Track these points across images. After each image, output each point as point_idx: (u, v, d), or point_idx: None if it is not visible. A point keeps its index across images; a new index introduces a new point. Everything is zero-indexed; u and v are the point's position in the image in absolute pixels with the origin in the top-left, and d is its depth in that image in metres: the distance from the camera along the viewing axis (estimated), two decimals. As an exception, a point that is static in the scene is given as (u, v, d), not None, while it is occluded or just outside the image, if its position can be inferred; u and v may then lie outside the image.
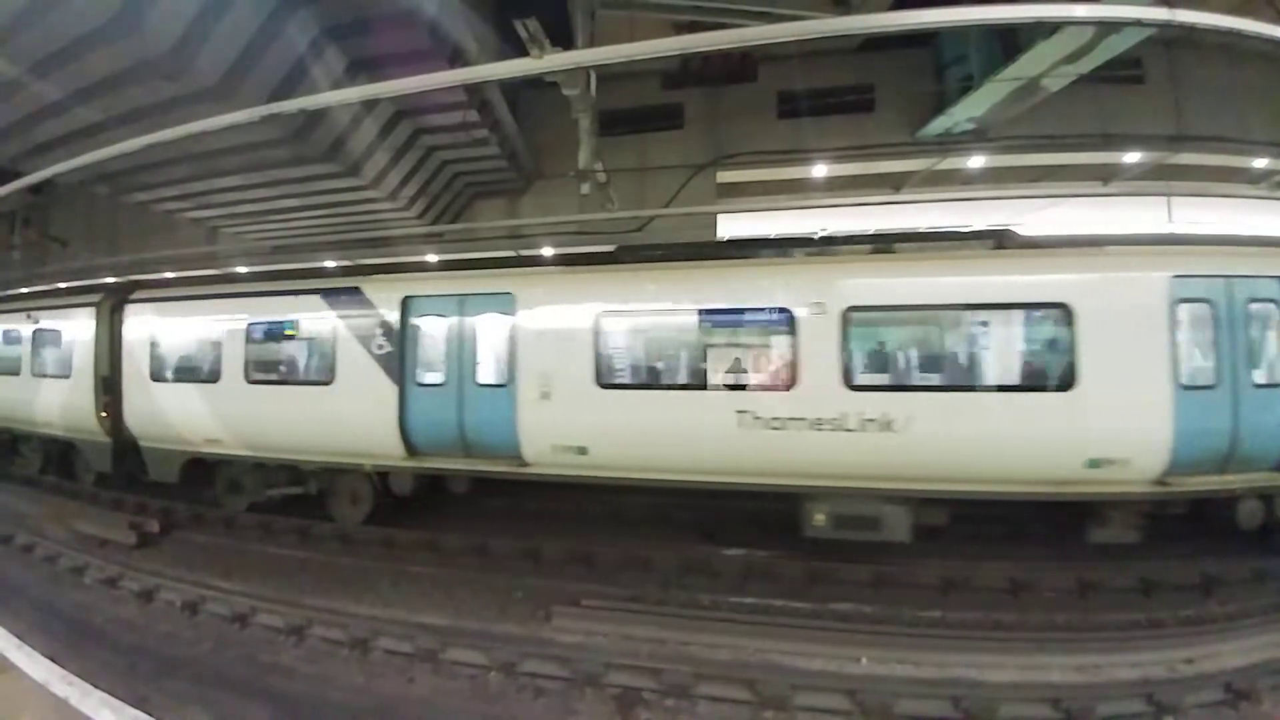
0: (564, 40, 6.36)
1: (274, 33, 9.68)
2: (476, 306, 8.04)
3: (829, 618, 6.14)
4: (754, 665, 5.29)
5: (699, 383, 7.15)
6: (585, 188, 13.21)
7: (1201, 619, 5.93)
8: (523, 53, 5.64)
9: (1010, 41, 11.74)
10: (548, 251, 15.10)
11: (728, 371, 7.10)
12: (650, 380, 7.47)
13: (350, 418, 8.17)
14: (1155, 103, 15.10)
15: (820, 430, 6.56)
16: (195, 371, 9.29)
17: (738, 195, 17.22)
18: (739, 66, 17.04)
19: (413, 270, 9.76)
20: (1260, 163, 15.33)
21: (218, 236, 19.76)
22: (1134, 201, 14.25)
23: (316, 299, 8.63)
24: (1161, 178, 15.00)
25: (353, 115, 12.19)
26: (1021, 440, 6.22)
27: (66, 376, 10.31)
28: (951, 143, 15.47)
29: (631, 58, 5.60)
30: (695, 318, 7.27)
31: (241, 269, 19.25)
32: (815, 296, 6.78)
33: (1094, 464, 6.10)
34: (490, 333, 7.99)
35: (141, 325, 9.79)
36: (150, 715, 3.82)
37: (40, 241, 21.21)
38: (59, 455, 11.32)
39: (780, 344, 6.93)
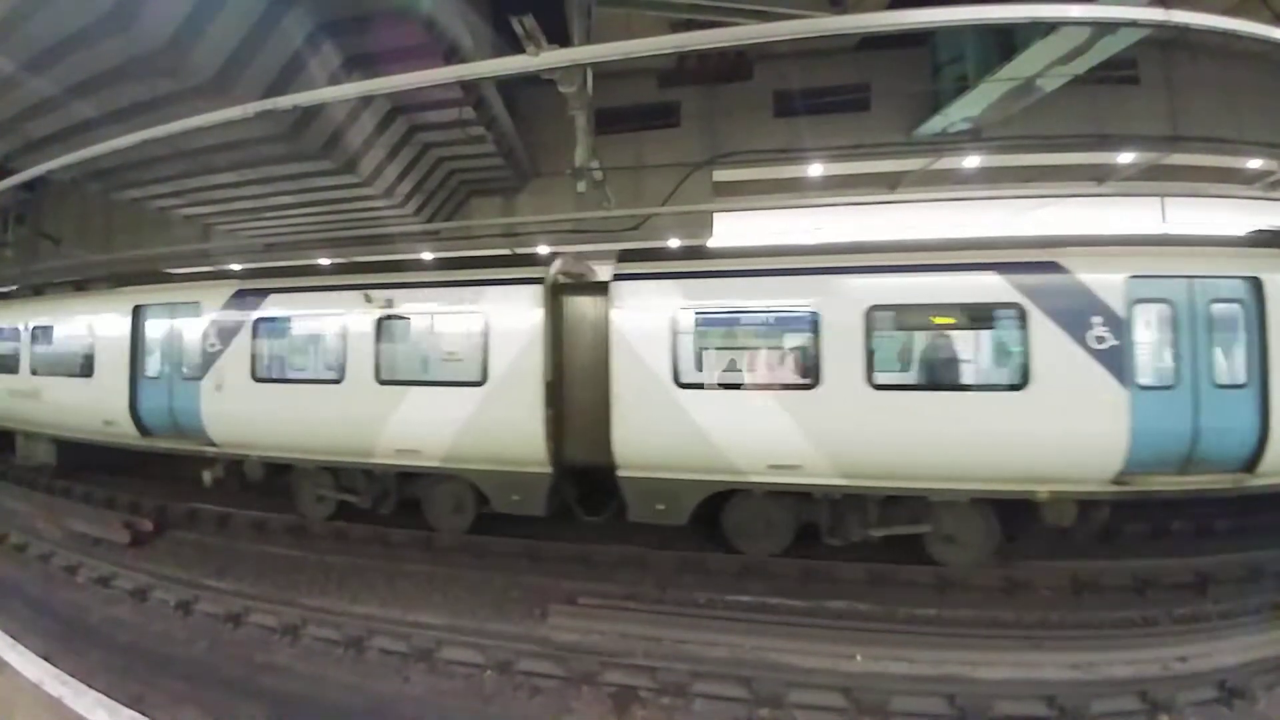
0: (560, 37, 6.32)
1: (269, 28, 9.62)
2: (1213, 292, 6.70)
3: (824, 615, 6.15)
4: (750, 663, 5.29)
5: None
6: (581, 186, 13.16)
7: (1196, 617, 5.97)
8: (519, 50, 5.62)
9: (1006, 42, 11.77)
10: (543, 250, 15.03)
11: None
12: None
13: (1052, 432, 6.42)
14: (1150, 103, 15.14)
15: None
16: (767, 373, 7.22)
17: (734, 194, 17.22)
18: (735, 65, 17.04)
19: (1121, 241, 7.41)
20: (1255, 163, 15.40)
21: (211, 234, 19.69)
22: (1128, 202, 14.30)
23: (993, 277, 6.69)
24: (1156, 178, 15.11)
25: (348, 112, 12.12)
26: None
27: (474, 383, 7.82)
28: (947, 142, 15.49)
29: (628, 55, 5.57)
30: None
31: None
32: None
33: None
34: (1233, 323, 6.72)
35: (655, 310, 7.36)
36: (145, 715, 3.79)
37: (33, 238, 21.03)
38: (396, 492, 8.67)
39: None
